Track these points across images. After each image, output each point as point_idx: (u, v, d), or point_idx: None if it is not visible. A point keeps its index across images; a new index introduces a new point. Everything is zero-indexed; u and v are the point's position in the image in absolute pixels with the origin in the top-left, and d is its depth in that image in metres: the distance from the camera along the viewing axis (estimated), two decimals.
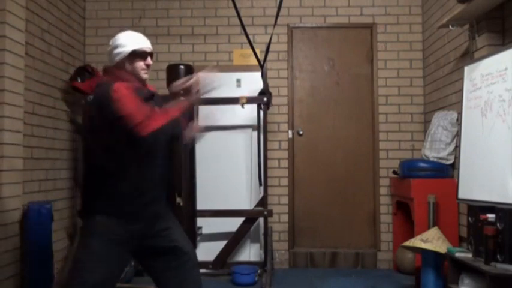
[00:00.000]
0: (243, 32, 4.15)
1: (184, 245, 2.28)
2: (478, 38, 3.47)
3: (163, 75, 4.38)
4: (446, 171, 3.89)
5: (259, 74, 4.22)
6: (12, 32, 3.28)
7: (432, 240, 3.33)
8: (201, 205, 4.20)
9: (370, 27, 4.82)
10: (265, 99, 4.14)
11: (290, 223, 4.74)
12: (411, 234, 3.81)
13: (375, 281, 4.12)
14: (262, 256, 4.24)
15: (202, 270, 4.25)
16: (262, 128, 4.20)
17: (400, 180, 4.18)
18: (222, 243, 4.20)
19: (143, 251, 2.24)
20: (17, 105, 3.35)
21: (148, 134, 1.98)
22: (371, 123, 4.80)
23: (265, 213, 4.13)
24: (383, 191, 4.72)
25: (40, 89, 3.89)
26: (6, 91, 3.21)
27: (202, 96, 2.18)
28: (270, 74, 4.61)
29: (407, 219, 4.22)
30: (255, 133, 4.36)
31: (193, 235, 4.27)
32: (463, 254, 2.93)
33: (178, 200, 3.85)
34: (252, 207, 4.31)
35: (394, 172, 4.32)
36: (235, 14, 4.13)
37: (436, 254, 3.33)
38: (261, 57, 4.21)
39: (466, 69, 3.41)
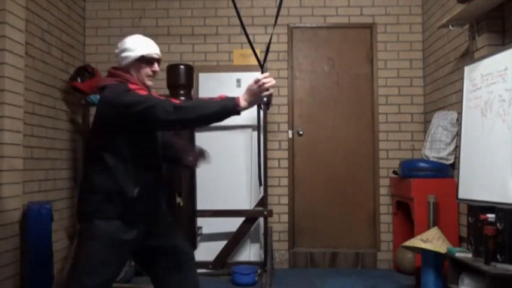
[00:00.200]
0: (243, 32, 4.12)
1: (183, 245, 2.29)
2: (478, 38, 3.47)
3: (163, 75, 4.37)
4: (446, 171, 3.89)
5: (259, 74, 4.20)
6: (12, 32, 3.28)
7: (432, 240, 3.33)
8: (201, 205, 4.20)
9: (370, 27, 4.82)
10: (265, 99, 4.13)
11: (290, 223, 4.74)
12: (411, 234, 3.81)
13: (375, 281, 4.12)
14: (262, 256, 4.24)
15: (202, 270, 4.26)
16: (262, 128, 4.20)
17: (400, 180, 4.18)
18: (222, 243, 4.21)
19: (143, 251, 2.24)
20: (17, 105, 3.35)
21: (175, 107, 1.94)
22: (371, 123, 4.79)
23: (265, 213, 4.13)
24: (383, 191, 4.72)
25: (40, 89, 3.89)
26: (6, 91, 3.21)
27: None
28: (270, 74, 4.59)
29: (407, 219, 4.22)
30: (255, 133, 4.37)
31: (193, 235, 4.27)
32: (463, 254, 2.92)
33: (178, 200, 3.85)
34: (252, 207, 4.32)
35: (394, 172, 4.32)
36: (235, 14, 4.11)
37: (436, 254, 3.33)
38: (261, 57, 4.21)
39: (466, 69, 3.41)
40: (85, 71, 4.30)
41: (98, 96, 4.32)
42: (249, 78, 4.55)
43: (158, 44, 4.53)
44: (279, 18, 4.22)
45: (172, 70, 4.11)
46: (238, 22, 4.15)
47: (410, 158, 4.59)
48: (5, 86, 3.20)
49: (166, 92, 4.10)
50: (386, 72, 4.79)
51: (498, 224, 2.64)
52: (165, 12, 4.89)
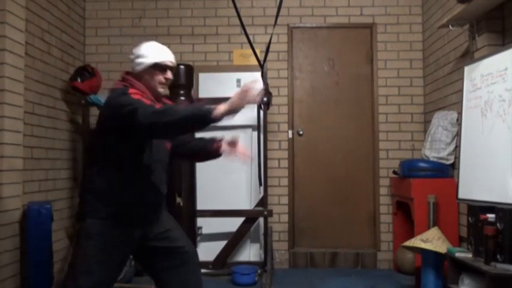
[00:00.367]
0: (243, 32, 4.14)
1: (185, 244, 2.29)
2: (478, 38, 3.47)
3: None
4: (446, 171, 3.89)
5: (259, 74, 4.22)
6: (12, 32, 3.28)
7: (432, 240, 3.33)
8: (201, 205, 4.20)
9: (370, 27, 4.82)
10: (265, 99, 4.14)
11: (290, 223, 4.74)
12: (411, 234, 3.81)
13: (375, 281, 4.12)
14: (262, 256, 4.24)
15: (202, 270, 4.25)
16: (262, 128, 4.20)
17: (400, 180, 4.18)
18: (222, 243, 4.21)
19: (144, 251, 2.25)
20: (17, 105, 3.35)
21: (153, 112, 1.88)
22: (371, 123, 4.79)
23: (265, 213, 4.13)
24: (383, 191, 4.72)
25: (40, 89, 3.89)
26: (6, 91, 3.21)
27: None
28: (270, 74, 4.61)
29: (407, 219, 4.22)
30: (255, 133, 4.37)
31: (193, 235, 4.27)
32: (463, 254, 2.92)
33: (178, 200, 3.86)
34: (252, 207, 4.32)
35: (394, 172, 4.32)
36: (235, 14, 4.13)
37: (436, 254, 3.33)
38: (261, 57, 4.21)
39: (466, 69, 3.41)
40: (85, 71, 4.30)
41: (99, 97, 4.34)
42: (249, 78, 4.54)
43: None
44: (279, 18, 4.24)
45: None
46: (238, 22, 4.17)
47: (410, 158, 4.59)
48: (5, 86, 3.20)
49: (167, 92, 4.10)
50: (386, 72, 4.79)
51: (498, 224, 2.64)
52: (165, 12, 4.89)
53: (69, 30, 4.50)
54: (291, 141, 4.81)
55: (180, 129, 1.98)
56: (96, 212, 2.10)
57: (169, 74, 2.21)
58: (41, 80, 3.91)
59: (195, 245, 4.07)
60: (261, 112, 4.21)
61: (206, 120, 1.88)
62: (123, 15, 4.90)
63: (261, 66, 4.16)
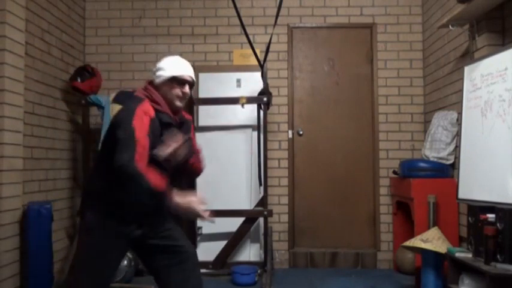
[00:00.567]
0: (243, 32, 4.15)
1: (185, 244, 2.33)
2: (478, 38, 3.47)
3: None
4: (446, 171, 3.89)
5: (259, 74, 4.22)
6: (12, 32, 3.28)
7: (432, 240, 3.33)
8: None
9: (370, 27, 4.82)
10: (265, 99, 4.14)
11: (290, 223, 4.74)
12: (411, 234, 3.81)
13: (375, 281, 4.12)
14: (262, 256, 4.24)
15: (202, 270, 4.25)
16: (262, 128, 4.20)
17: (400, 180, 4.18)
18: (222, 243, 4.20)
19: (145, 249, 2.30)
20: (17, 105, 3.35)
21: (135, 172, 1.97)
22: (371, 123, 4.79)
23: (265, 213, 4.13)
24: (383, 191, 4.72)
25: (40, 89, 3.89)
26: (6, 91, 3.21)
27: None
28: (270, 74, 4.61)
29: (407, 219, 4.22)
30: (255, 133, 4.37)
31: (193, 235, 4.28)
32: (463, 254, 2.93)
33: None
34: (252, 207, 4.32)
35: (394, 172, 4.32)
36: (235, 14, 4.13)
37: (436, 254, 3.33)
38: (261, 57, 4.21)
39: (466, 69, 3.41)
40: (85, 71, 4.30)
41: (99, 97, 4.34)
42: (249, 78, 4.62)
43: (158, 44, 4.57)
44: (279, 18, 4.24)
45: None
46: (238, 22, 4.17)
47: (410, 158, 4.59)
48: (5, 86, 3.20)
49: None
50: (386, 72, 4.79)
51: (498, 224, 2.64)
52: (165, 12, 4.89)
53: (69, 30, 4.50)
54: (291, 141, 4.81)
55: (140, 190, 2.05)
56: (96, 208, 2.18)
57: (186, 89, 2.27)
58: (41, 80, 3.91)
59: (195, 245, 4.07)
60: (261, 112, 4.21)
61: (162, 202, 2.05)
62: (123, 15, 4.90)
63: (261, 66, 4.16)
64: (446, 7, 4.04)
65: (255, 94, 4.26)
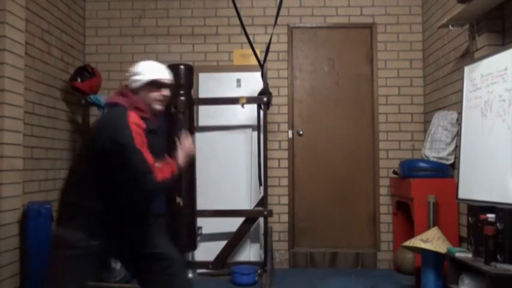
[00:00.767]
0: (243, 32, 4.14)
1: (164, 251, 2.29)
2: (478, 38, 3.47)
3: None
4: (446, 171, 3.89)
5: (259, 74, 4.22)
6: (12, 32, 3.28)
7: (432, 240, 3.33)
8: (201, 205, 4.20)
9: (370, 27, 4.82)
10: (265, 99, 4.14)
11: (290, 223, 4.74)
12: (411, 234, 3.81)
13: (375, 281, 4.12)
14: (262, 256, 4.24)
15: (202, 270, 4.27)
16: (262, 128, 4.20)
17: (400, 180, 4.18)
18: (222, 243, 4.20)
19: (127, 258, 2.31)
20: (17, 105, 3.35)
21: (157, 184, 2.03)
22: (371, 123, 4.79)
23: (265, 213, 4.13)
24: (383, 191, 4.72)
25: (40, 89, 3.89)
26: (6, 91, 3.21)
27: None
28: (270, 74, 4.61)
29: (407, 219, 4.22)
30: (255, 133, 4.37)
31: (193, 235, 4.27)
32: (463, 254, 2.92)
33: (178, 200, 3.85)
34: (252, 207, 4.32)
35: (394, 172, 4.32)
36: (235, 14, 4.13)
37: (436, 254, 3.33)
38: (261, 57, 4.21)
39: (466, 69, 3.41)
40: (85, 71, 4.30)
41: (99, 97, 4.33)
42: (249, 78, 4.62)
43: (158, 44, 4.57)
44: (279, 18, 4.24)
45: (172, 70, 4.08)
46: (238, 22, 4.17)
47: (410, 158, 4.59)
48: (5, 86, 3.20)
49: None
50: (386, 72, 4.79)
51: (498, 224, 2.64)
52: (165, 12, 4.89)
53: (69, 30, 4.50)
54: (291, 141, 4.81)
55: (160, 194, 2.23)
56: (69, 222, 2.14)
57: (165, 91, 2.26)
58: (41, 80, 3.91)
59: (195, 245, 4.07)
60: (261, 112, 4.20)
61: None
62: (123, 15, 4.90)
63: (261, 66, 4.16)
64: (446, 7, 4.04)
65: (255, 94, 4.25)
